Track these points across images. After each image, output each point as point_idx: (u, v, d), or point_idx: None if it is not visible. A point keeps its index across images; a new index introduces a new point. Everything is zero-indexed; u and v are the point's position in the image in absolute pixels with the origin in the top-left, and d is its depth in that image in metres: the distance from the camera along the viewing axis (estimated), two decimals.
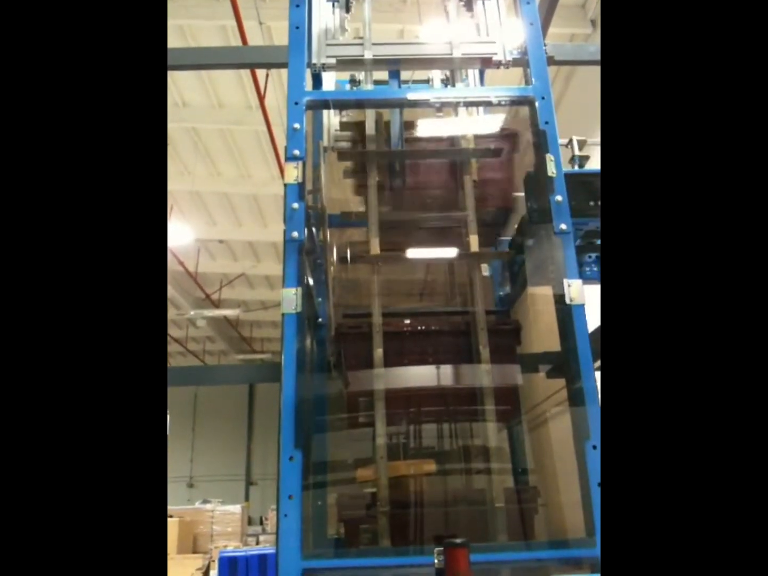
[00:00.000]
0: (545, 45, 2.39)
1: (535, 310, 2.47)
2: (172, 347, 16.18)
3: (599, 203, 2.62)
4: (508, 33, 2.44)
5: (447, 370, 2.38)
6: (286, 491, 1.67)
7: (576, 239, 2.59)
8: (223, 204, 11.17)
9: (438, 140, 2.88)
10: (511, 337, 2.38)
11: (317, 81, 2.55)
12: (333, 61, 2.40)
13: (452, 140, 2.80)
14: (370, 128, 2.68)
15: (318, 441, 2.31)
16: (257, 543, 12.23)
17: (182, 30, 7.19)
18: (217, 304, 13.79)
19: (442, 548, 1.41)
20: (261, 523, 15.19)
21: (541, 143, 2.12)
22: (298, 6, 2.38)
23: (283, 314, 1.87)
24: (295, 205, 1.99)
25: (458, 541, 1.40)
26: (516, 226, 2.63)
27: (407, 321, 2.53)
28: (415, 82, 3.37)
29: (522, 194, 2.48)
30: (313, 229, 2.22)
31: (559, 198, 2.03)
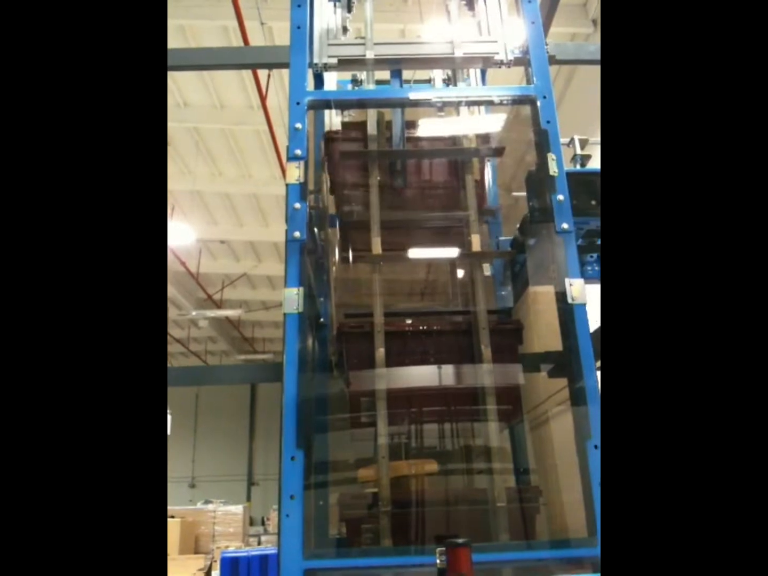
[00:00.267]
0: (547, 44, 2.39)
1: (536, 309, 2.47)
2: (174, 348, 16.19)
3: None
4: (509, 32, 2.43)
5: (448, 369, 2.37)
6: (288, 491, 1.67)
7: (578, 238, 2.59)
8: (225, 204, 11.17)
9: (440, 140, 2.88)
10: (513, 336, 2.38)
11: (319, 81, 2.55)
12: (334, 60, 2.40)
13: (454, 140, 2.80)
14: (371, 128, 2.68)
15: (320, 441, 2.31)
16: (259, 543, 12.23)
17: (184, 30, 7.19)
18: (218, 305, 13.79)
19: (444, 548, 1.40)
20: (263, 523, 15.20)
21: (543, 142, 2.12)
22: (299, 6, 2.38)
23: (284, 314, 1.87)
24: (297, 205, 1.99)
25: (460, 540, 1.40)
26: (518, 225, 2.63)
27: (409, 321, 2.53)
28: (416, 81, 3.38)
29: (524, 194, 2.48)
30: (315, 229, 2.22)
31: (560, 197, 2.03)
